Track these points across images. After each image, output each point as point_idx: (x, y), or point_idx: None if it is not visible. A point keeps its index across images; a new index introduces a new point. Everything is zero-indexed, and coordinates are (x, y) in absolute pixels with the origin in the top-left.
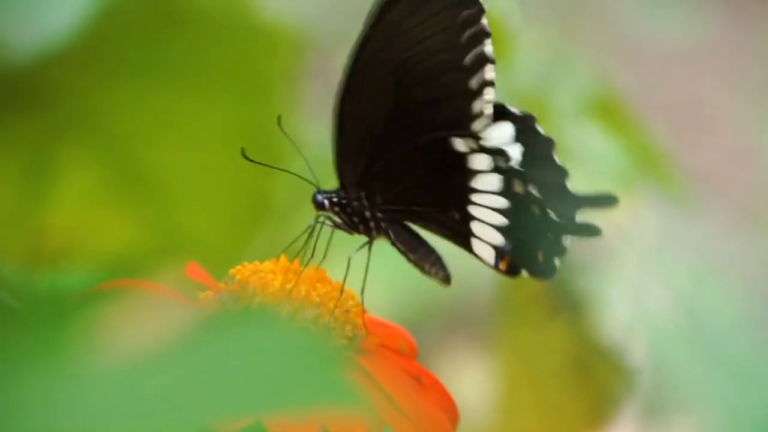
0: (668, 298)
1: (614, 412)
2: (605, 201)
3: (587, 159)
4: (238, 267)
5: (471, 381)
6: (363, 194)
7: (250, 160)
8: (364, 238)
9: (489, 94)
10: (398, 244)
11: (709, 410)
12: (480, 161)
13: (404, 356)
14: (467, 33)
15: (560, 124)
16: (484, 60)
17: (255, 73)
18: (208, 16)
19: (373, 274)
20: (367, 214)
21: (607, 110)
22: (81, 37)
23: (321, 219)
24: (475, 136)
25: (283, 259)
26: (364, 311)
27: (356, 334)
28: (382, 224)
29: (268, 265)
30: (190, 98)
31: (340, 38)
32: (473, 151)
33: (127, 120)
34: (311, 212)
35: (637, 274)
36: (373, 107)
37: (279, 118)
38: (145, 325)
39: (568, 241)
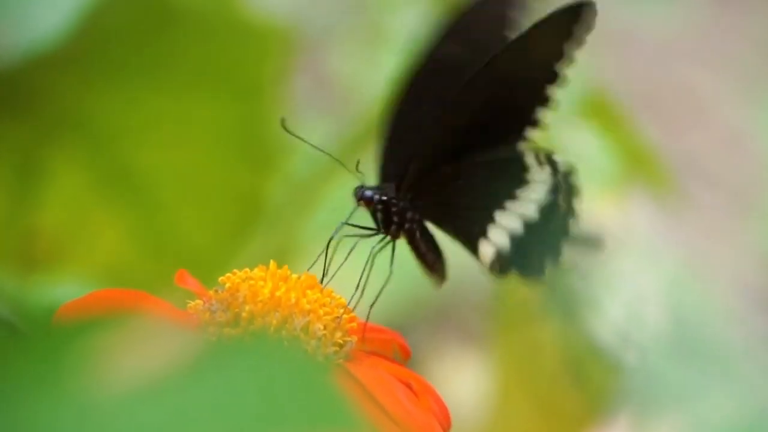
0: (659, 299)
1: (607, 412)
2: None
3: (578, 159)
4: (228, 274)
5: (464, 382)
6: (409, 195)
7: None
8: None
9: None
10: (421, 245)
11: (698, 409)
12: (541, 175)
13: (395, 362)
14: (564, 44)
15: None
16: (556, 76)
17: (244, 72)
18: (196, 17)
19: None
20: (409, 215)
21: (597, 109)
22: (70, 40)
23: (336, 234)
24: (549, 152)
25: (272, 265)
26: (356, 317)
27: (346, 340)
28: (414, 226)
29: (258, 272)
30: (180, 99)
31: (327, 33)
32: (541, 164)
33: (117, 122)
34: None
35: (628, 275)
36: (439, 110)
37: (282, 120)
38: (143, 354)
39: (565, 248)
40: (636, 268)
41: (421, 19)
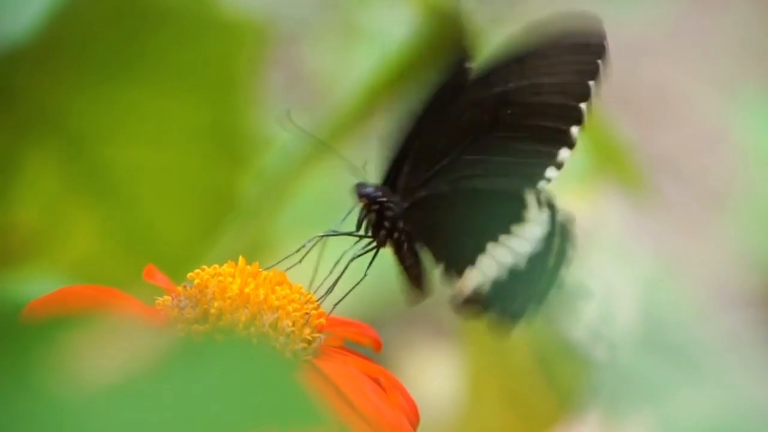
0: (630, 296)
1: (577, 409)
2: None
3: None
4: (197, 270)
5: (435, 377)
6: (405, 205)
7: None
8: None
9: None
10: (407, 258)
11: (668, 407)
12: (539, 216)
13: (364, 358)
14: (585, 80)
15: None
16: (579, 117)
17: (219, 67)
18: (170, 13)
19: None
20: (401, 224)
21: None
22: (44, 36)
23: (313, 239)
24: (550, 196)
25: (242, 261)
26: (325, 313)
27: (315, 337)
28: (402, 237)
29: (227, 268)
30: (154, 95)
31: (301, 28)
32: (540, 205)
33: (91, 117)
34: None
35: (600, 272)
36: (461, 127)
37: (288, 113)
38: (111, 351)
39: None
40: (608, 264)
41: (395, 14)
